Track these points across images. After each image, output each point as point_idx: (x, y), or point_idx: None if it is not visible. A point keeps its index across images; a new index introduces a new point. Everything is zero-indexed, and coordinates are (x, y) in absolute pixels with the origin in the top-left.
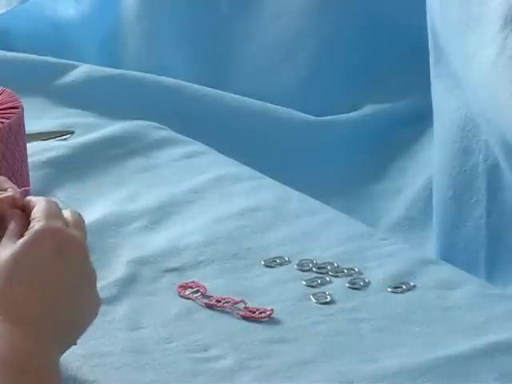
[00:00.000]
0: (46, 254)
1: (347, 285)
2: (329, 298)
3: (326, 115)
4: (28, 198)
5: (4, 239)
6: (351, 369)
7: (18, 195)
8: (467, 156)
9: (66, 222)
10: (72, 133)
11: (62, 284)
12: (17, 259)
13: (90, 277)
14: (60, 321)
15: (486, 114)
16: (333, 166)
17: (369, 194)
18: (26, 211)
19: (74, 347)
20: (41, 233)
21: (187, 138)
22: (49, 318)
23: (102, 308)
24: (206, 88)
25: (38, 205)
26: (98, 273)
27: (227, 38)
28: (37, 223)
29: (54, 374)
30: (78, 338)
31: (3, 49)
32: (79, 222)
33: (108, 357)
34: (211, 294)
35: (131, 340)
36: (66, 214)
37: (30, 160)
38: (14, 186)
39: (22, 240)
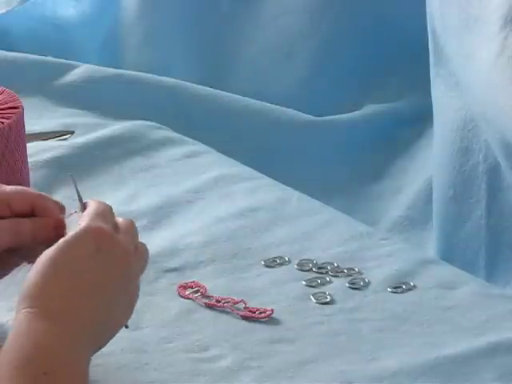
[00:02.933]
0: (84, 252)
1: (347, 285)
2: (329, 298)
3: (326, 115)
4: (86, 201)
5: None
6: (351, 369)
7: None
8: (467, 156)
9: (114, 225)
10: (72, 133)
11: (98, 283)
12: (56, 256)
13: (127, 280)
14: (93, 321)
15: (485, 114)
16: (333, 165)
17: (369, 193)
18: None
19: None
20: (82, 231)
21: (187, 138)
22: (82, 317)
23: None
24: (206, 88)
25: (89, 206)
26: None
27: (227, 38)
28: (81, 223)
29: (79, 376)
30: (109, 340)
31: (3, 49)
32: (129, 227)
33: (108, 357)
34: (211, 294)
35: (131, 340)
36: (119, 219)
37: (29, 160)
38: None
39: (63, 238)
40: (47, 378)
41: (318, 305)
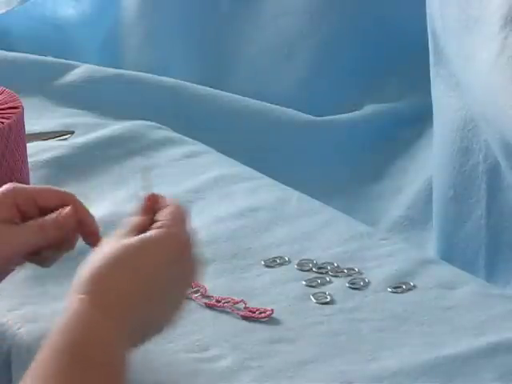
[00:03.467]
0: (160, 259)
1: (347, 285)
2: (329, 298)
3: (326, 115)
4: (157, 195)
5: (124, 230)
6: (351, 369)
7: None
8: (467, 156)
9: (189, 231)
10: (72, 133)
11: (161, 292)
12: (129, 250)
13: (185, 290)
14: (144, 322)
15: (485, 114)
16: (333, 165)
17: (369, 193)
18: (150, 207)
19: None
20: (167, 237)
21: (187, 138)
22: (134, 315)
23: None
24: (206, 88)
25: (169, 208)
26: None
27: (227, 38)
28: (164, 226)
29: (120, 369)
30: (150, 340)
31: (3, 49)
32: (193, 239)
33: None
34: (211, 294)
35: None
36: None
37: (29, 160)
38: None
39: (143, 235)
40: (86, 363)
41: (318, 305)
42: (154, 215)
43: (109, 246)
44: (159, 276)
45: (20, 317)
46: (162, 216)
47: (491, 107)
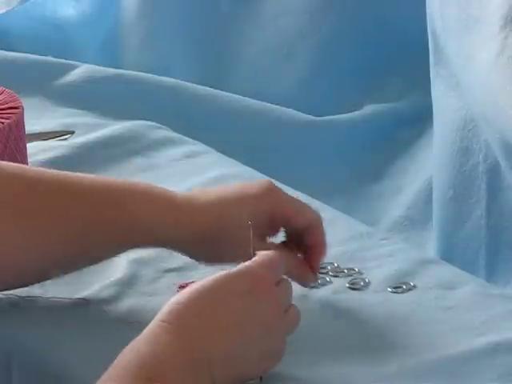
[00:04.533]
0: (237, 288)
1: (347, 285)
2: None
3: (326, 115)
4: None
5: None
6: (351, 369)
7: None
8: (467, 156)
9: (279, 280)
10: (72, 133)
11: (240, 324)
12: (208, 284)
13: (268, 333)
14: (223, 356)
15: (486, 114)
16: (333, 166)
17: (369, 193)
18: None
19: (73, 347)
20: (242, 270)
21: (187, 138)
22: (211, 346)
23: (102, 308)
24: (206, 88)
25: (260, 255)
26: (98, 273)
27: (227, 38)
28: (248, 264)
29: None
30: (237, 380)
31: (3, 49)
32: (288, 288)
33: (108, 357)
34: None
35: (131, 340)
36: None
37: (29, 160)
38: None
39: (224, 272)
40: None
41: (318, 305)
42: None
43: (195, 284)
44: (237, 306)
45: (20, 317)
46: (254, 258)
47: (491, 107)
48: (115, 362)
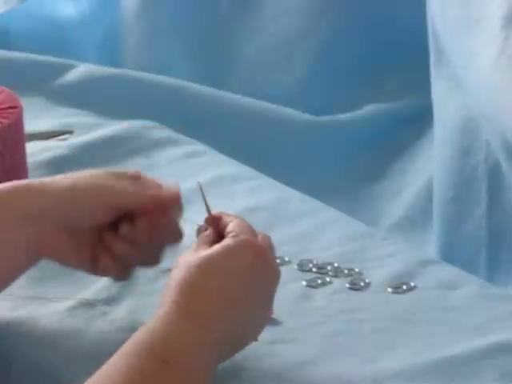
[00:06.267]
0: (240, 264)
1: (347, 285)
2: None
3: (326, 115)
4: (219, 213)
5: (198, 243)
6: (351, 369)
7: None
8: (468, 156)
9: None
10: (71, 132)
11: (242, 299)
12: (211, 259)
13: (268, 299)
14: (225, 332)
15: (486, 114)
16: (333, 166)
17: (369, 194)
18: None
19: (73, 348)
20: (242, 243)
21: (187, 138)
22: (219, 324)
23: (102, 308)
24: (206, 88)
25: (235, 221)
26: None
27: (227, 38)
28: (238, 235)
29: (195, 375)
30: (235, 353)
31: (3, 48)
32: (270, 243)
33: (108, 357)
34: None
35: None
36: (259, 235)
37: (29, 160)
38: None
39: (221, 244)
40: (164, 365)
41: (318, 305)
42: (221, 228)
43: (191, 258)
44: (242, 280)
45: (20, 317)
46: (232, 227)
47: (492, 107)
48: (130, 341)
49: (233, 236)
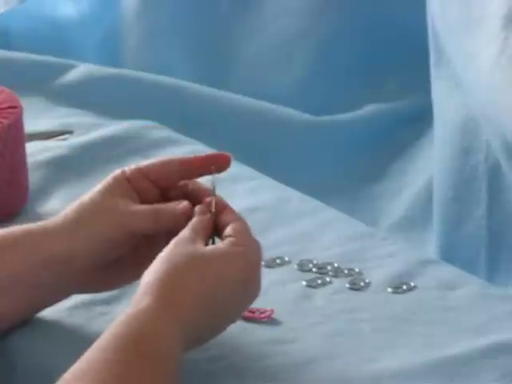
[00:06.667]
0: (230, 276)
1: (347, 285)
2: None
3: (326, 115)
4: (224, 202)
5: (188, 234)
6: (351, 369)
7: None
8: (468, 156)
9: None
10: (71, 132)
11: (223, 302)
12: (200, 259)
13: (242, 310)
14: (201, 327)
15: (486, 114)
16: (333, 166)
17: (369, 194)
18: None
19: (73, 348)
20: (237, 256)
21: (187, 138)
22: (194, 319)
23: (102, 308)
24: (206, 88)
25: (237, 224)
26: None
27: (227, 38)
28: (236, 243)
29: (170, 364)
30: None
31: (3, 48)
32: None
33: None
34: None
35: None
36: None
37: (29, 160)
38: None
39: (215, 247)
40: (151, 361)
41: (318, 305)
42: (218, 220)
43: (178, 252)
44: (225, 289)
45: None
46: (233, 231)
47: (492, 107)
48: (105, 333)
49: (231, 243)
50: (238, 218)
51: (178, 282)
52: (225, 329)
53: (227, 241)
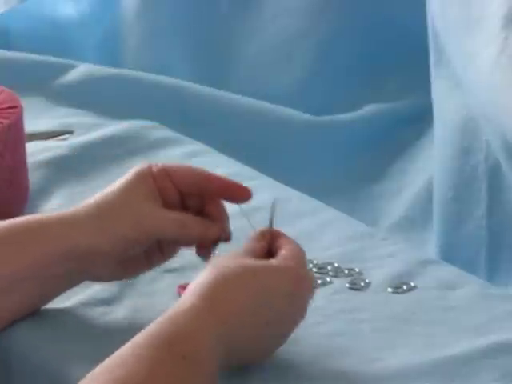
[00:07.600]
0: (279, 290)
1: (347, 285)
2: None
3: (326, 115)
4: (278, 231)
5: (246, 251)
6: (351, 369)
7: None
8: (468, 156)
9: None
10: (71, 132)
11: (271, 318)
12: (251, 271)
13: (289, 331)
14: (245, 343)
15: (486, 114)
16: (333, 166)
17: (369, 194)
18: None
19: (73, 348)
20: (289, 271)
21: (187, 138)
22: (238, 332)
23: (103, 308)
24: (206, 88)
25: (292, 246)
26: None
27: (227, 38)
28: (288, 259)
29: (208, 370)
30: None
31: (3, 48)
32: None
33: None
34: None
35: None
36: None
37: (29, 160)
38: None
39: (267, 261)
40: (184, 361)
41: (318, 305)
42: (274, 246)
43: (228, 262)
44: (273, 304)
45: (20, 318)
46: (285, 249)
47: (492, 107)
48: (144, 332)
49: (283, 258)
50: (293, 242)
51: (225, 289)
52: (270, 350)
53: (280, 256)
